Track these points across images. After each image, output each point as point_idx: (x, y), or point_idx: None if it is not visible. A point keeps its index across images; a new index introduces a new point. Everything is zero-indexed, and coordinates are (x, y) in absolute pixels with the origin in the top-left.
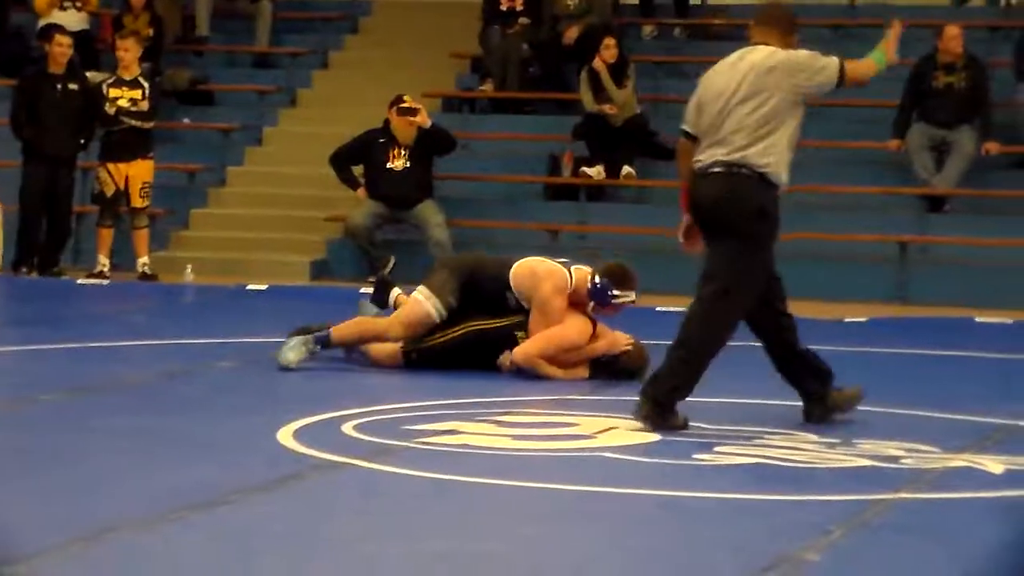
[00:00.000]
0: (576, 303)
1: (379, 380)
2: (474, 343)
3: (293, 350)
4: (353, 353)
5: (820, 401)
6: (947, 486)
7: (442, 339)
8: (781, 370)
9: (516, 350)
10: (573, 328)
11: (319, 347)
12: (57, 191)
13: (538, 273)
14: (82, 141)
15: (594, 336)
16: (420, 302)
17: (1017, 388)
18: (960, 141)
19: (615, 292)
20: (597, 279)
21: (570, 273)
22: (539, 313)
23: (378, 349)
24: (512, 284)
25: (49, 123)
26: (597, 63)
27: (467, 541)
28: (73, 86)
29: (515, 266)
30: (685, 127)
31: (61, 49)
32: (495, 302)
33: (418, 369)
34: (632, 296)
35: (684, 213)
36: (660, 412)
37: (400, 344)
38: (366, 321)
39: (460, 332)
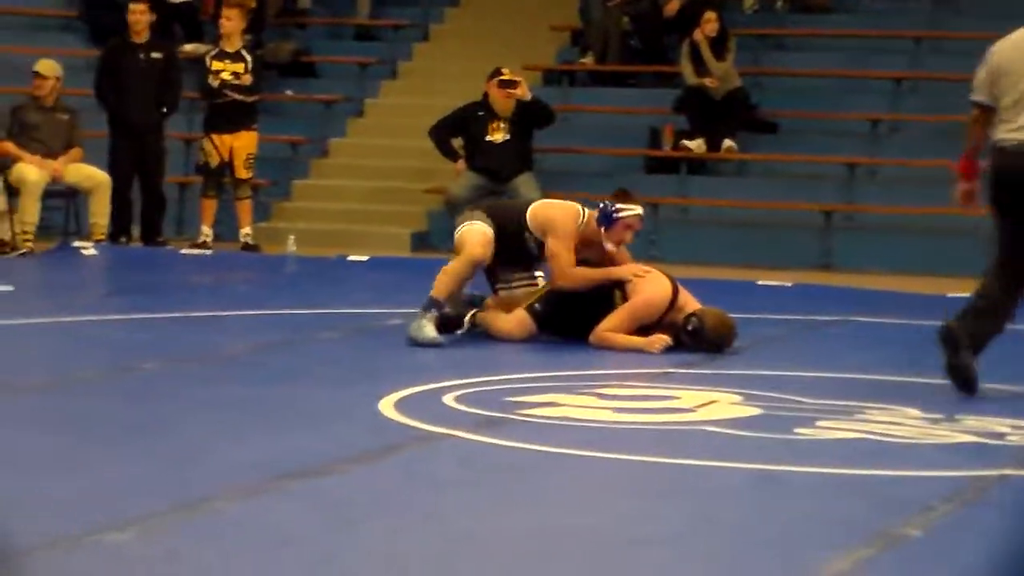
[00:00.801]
0: (590, 241)
1: (480, 352)
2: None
3: (426, 327)
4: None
5: None
6: None
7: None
8: None
9: (592, 335)
10: (652, 291)
11: (434, 311)
12: (146, 160)
13: (550, 215)
14: (164, 110)
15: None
16: (467, 227)
17: None
18: None
19: (618, 206)
20: (601, 204)
21: (583, 211)
22: (550, 261)
23: (504, 322)
24: (529, 226)
25: (131, 92)
26: (698, 35)
27: (564, 514)
28: (156, 55)
29: (531, 208)
30: (978, 98)
31: (135, 17)
32: (516, 243)
33: (549, 326)
34: (636, 209)
35: (963, 179)
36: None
37: (523, 307)
38: (448, 267)
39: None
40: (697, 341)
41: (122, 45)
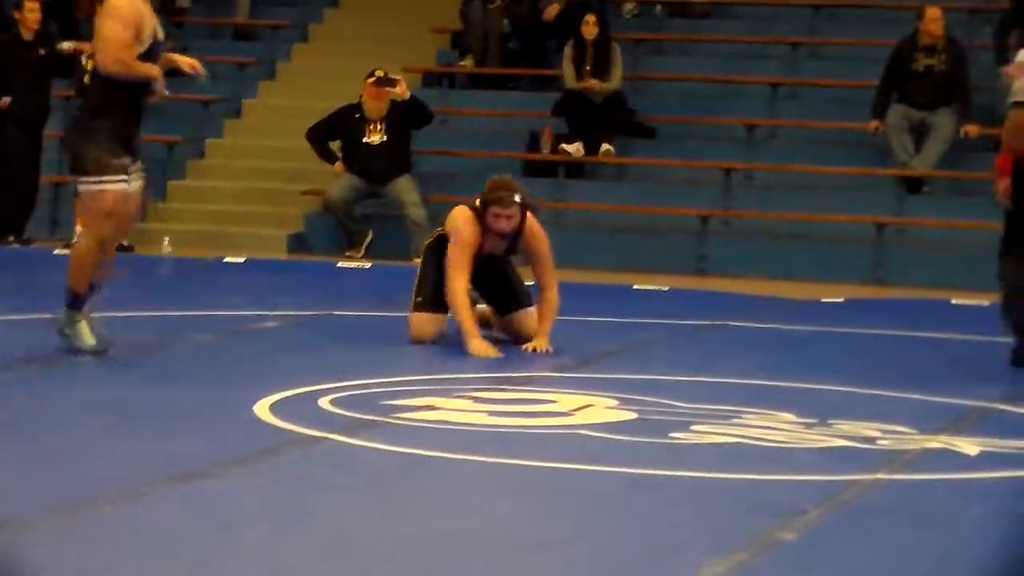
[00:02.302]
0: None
1: (356, 355)
2: None
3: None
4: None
5: None
6: (923, 467)
7: None
8: None
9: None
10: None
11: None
12: (33, 156)
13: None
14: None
15: None
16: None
17: (991, 370)
18: (939, 123)
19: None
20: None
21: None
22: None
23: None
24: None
25: (24, 87)
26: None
27: (444, 517)
28: (43, 51)
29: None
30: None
31: (30, 15)
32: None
33: None
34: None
35: (1002, 177)
36: None
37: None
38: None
39: None
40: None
41: (10, 41)
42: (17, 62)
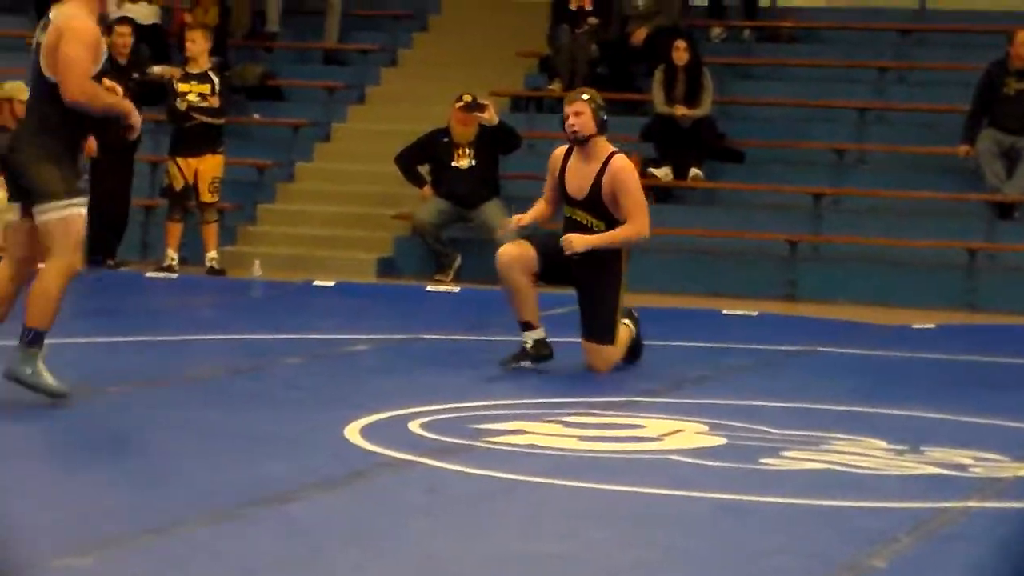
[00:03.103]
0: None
1: (445, 379)
2: None
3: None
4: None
5: None
6: (1016, 496)
7: None
8: None
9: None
10: None
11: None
12: (124, 180)
13: None
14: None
15: None
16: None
17: None
18: None
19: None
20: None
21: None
22: None
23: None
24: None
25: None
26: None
27: (531, 542)
28: (136, 75)
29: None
30: None
31: (121, 39)
32: None
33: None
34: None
35: None
36: None
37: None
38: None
39: None
40: None
41: (104, 66)
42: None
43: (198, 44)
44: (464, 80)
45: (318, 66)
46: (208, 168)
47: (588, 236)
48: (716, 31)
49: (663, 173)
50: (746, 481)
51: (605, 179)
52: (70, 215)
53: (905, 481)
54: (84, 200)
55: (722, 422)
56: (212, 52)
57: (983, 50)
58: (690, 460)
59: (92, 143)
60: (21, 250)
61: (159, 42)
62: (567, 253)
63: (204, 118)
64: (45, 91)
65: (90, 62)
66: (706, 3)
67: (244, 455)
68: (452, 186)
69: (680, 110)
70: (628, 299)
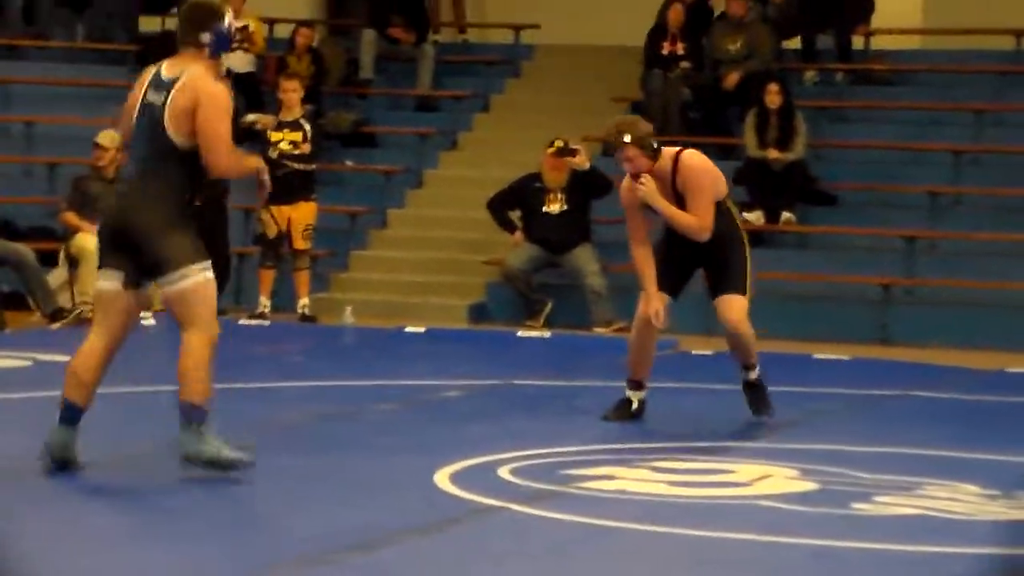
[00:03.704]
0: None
1: (536, 425)
2: None
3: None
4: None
5: None
6: None
7: None
8: None
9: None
10: None
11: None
12: (220, 229)
13: None
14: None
15: None
16: None
17: None
18: None
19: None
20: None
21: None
22: None
23: None
24: None
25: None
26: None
27: None
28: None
29: None
30: None
31: (288, 95)
32: None
33: None
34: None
35: None
36: None
37: None
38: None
39: None
40: None
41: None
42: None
43: (291, 93)
44: (556, 125)
45: (411, 113)
46: (301, 215)
47: (658, 197)
48: (809, 74)
49: (755, 217)
50: (838, 527)
51: (678, 180)
52: (204, 280)
53: (998, 527)
54: (210, 263)
55: (813, 467)
56: (305, 100)
57: None
58: (780, 505)
59: None
60: (120, 323)
61: (254, 90)
62: (639, 192)
63: (296, 165)
64: (170, 154)
65: (228, 131)
66: (799, 46)
67: (336, 501)
68: (543, 231)
69: (772, 154)
70: (720, 341)
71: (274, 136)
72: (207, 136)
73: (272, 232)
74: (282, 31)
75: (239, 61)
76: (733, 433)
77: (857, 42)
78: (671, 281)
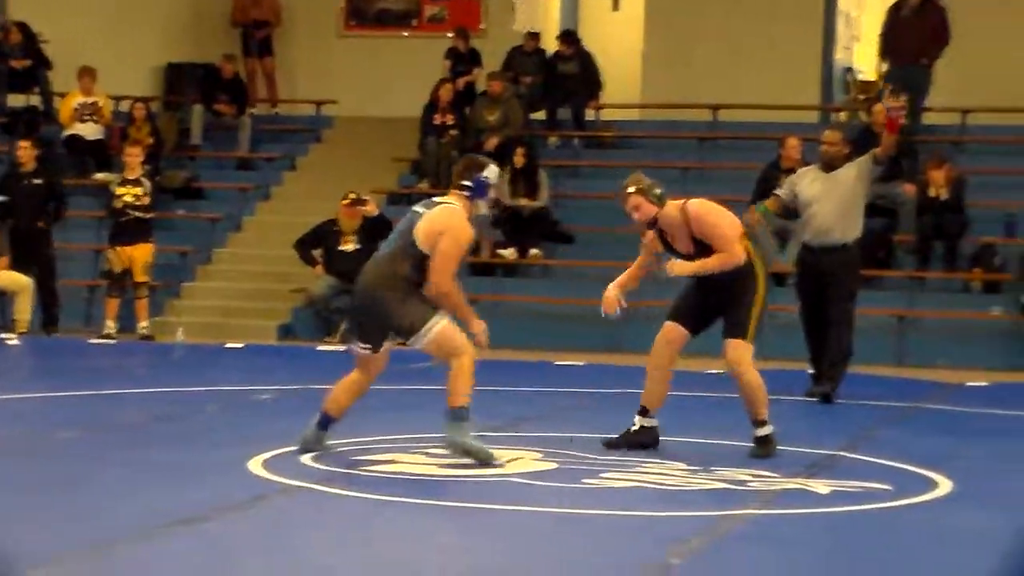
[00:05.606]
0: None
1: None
2: None
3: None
4: None
5: None
6: (784, 503)
7: None
8: None
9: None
10: None
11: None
12: (39, 264)
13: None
14: (41, 224)
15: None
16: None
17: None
18: None
19: (478, 177)
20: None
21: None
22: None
23: None
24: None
25: (20, 210)
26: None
27: (405, 549)
28: (38, 181)
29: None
30: None
31: (21, 152)
32: None
33: None
34: (491, 172)
35: None
36: None
37: None
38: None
39: None
40: None
41: (12, 174)
42: (15, 190)
43: (134, 157)
44: (349, 181)
45: (232, 171)
46: (141, 254)
47: (687, 264)
48: (552, 139)
49: (509, 253)
50: (572, 497)
51: (694, 229)
52: (445, 325)
53: (698, 494)
54: (444, 312)
55: (553, 450)
56: (145, 161)
57: (763, 152)
58: (527, 481)
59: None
60: (375, 367)
61: (103, 154)
62: (669, 275)
63: (137, 213)
64: (412, 255)
65: (457, 262)
66: (544, 117)
67: (169, 484)
68: (340, 266)
69: (522, 202)
70: (499, 353)
71: (119, 191)
72: (440, 253)
73: (117, 268)
74: (125, 106)
75: (90, 130)
76: (496, 426)
77: (590, 114)
78: (693, 317)
